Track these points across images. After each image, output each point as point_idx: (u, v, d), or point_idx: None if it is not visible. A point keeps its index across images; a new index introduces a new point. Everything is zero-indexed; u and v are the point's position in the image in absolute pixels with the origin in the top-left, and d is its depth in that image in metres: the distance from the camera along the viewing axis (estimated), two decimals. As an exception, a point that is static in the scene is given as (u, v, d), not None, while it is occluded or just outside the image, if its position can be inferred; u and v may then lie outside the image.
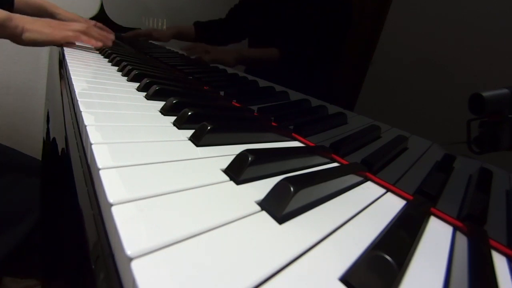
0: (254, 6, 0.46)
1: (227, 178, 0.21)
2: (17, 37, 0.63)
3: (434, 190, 0.24)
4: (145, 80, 0.44)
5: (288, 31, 0.41)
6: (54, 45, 0.72)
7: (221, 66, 0.56)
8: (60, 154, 0.33)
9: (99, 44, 0.77)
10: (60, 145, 0.33)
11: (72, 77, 0.41)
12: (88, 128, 0.24)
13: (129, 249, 0.12)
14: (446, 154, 0.25)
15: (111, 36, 0.84)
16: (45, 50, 1.22)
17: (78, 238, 0.19)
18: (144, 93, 0.42)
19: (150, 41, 0.95)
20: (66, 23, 0.74)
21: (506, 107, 0.21)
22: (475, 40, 0.23)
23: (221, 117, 0.36)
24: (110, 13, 1.24)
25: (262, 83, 0.45)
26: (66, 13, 0.95)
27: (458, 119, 0.23)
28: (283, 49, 0.41)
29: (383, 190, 0.27)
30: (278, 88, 0.42)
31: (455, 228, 0.23)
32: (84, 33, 0.74)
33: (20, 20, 0.63)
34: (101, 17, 1.24)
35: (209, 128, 0.27)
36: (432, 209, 0.24)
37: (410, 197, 0.26)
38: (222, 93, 0.53)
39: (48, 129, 0.51)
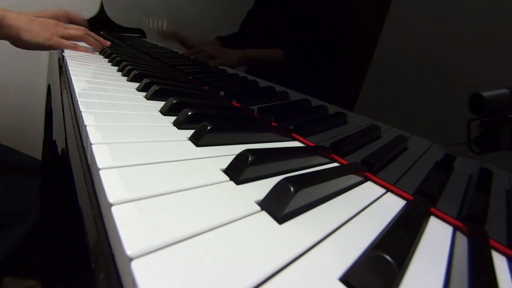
0: (259, 11, 0.46)
1: (227, 178, 0.21)
2: (14, 39, 0.62)
3: (434, 190, 0.24)
4: (145, 80, 0.44)
5: (291, 32, 0.41)
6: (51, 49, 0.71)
7: (221, 66, 0.56)
8: (60, 154, 0.33)
9: (96, 53, 0.76)
10: (60, 145, 0.33)
11: (72, 77, 0.41)
12: (88, 128, 0.24)
13: (129, 249, 0.12)
14: (446, 154, 0.25)
15: (107, 43, 0.82)
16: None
17: (78, 238, 0.19)
18: (144, 93, 0.42)
19: (150, 41, 0.95)
20: (63, 25, 0.73)
21: (506, 107, 0.21)
22: (475, 40, 0.23)
23: (221, 117, 0.36)
24: (110, 13, 1.24)
25: (262, 83, 0.45)
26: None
27: (458, 119, 0.23)
28: (286, 49, 0.41)
29: (383, 190, 0.27)
30: (278, 88, 0.42)
31: (455, 228, 0.23)
32: (82, 38, 0.74)
33: (15, 20, 0.62)
34: (101, 17, 1.24)
35: (209, 128, 0.27)
36: (432, 209, 0.24)
37: (410, 197, 0.26)
38: (222, 93, 0.53)
39: (48, 129, 0.51)
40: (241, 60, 0.50)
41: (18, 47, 0.66)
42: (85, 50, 0.73)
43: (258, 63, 0.47)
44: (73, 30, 0.73)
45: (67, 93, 0.41)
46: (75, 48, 0.70)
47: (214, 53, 0.58)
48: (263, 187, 0.21)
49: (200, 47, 0.63)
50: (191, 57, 0.67)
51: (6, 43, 0.65)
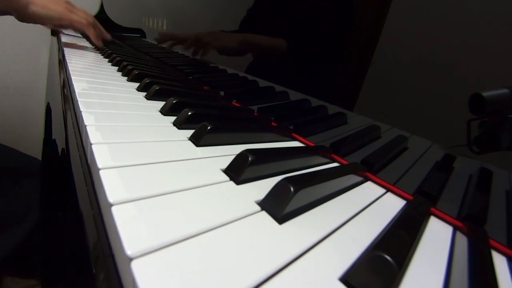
0: (259, 11, 0.46)
1: (227, 178, 0.21)
2: (21, 11, 0.60)
3: (434, 190, 0.24)
4: (145, 80, 0.44)
5: (290, 32, 0.40)
6: (58, 26, 0.68)
7: (221, 66, 0.56)
8: (60, 154, 0.33)
9: (100, 43, 0.76)
10: (60, 145, 0.33)
11: (72, 77, 0.41)
12: (88, 128, 0.24)
13: (129, 249, 0.12)
14: (446, 154, 0.25)
15: (108, 36, 0.82)
16: (45, 50, 1.22)
17: (78, 238, 0.19)
18: (144, 93, 0.42)
19: (150, 41, 0.95)
20: (74, 6, 0.71)
21: (506, 107, 0.21)
22: (475, 40, 0.23)
23: (221, 117, 0.36)
24: (110, 13, 1.24)
25: (262, 83, 0.45)
26: None
27: (458, 119, 0.23)
28: (289, 41, 0.40)
29: (383, 190, 0.27)
30: (278, 88, 0.42)
31: (455, 228, 0.23)
32: (92, 25, 0.73)
33: None
34: (101, 17, 1.24)
35: (209, 128, 0.27)
36: (432, 209, 0.24)
37: (410, 197, 0.26)
38: (222, 93, 0.53)
39: (48, 129, 0.51)
40: (242, 44, 0.49)
41: (25, 20, 0.64)
42: (94, 34, 0.70)
43: (259, 49, 0.46)
44: (83, 13, 0.71)
45: (67, 93, 0.41)
46: (85, 26, 0.68)
47: (213, 37, 0.56)
48: (263, 187, 0.21)
49: (198, 34, 0.61)
50: (192, 51, 0.66)
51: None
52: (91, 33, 0.70)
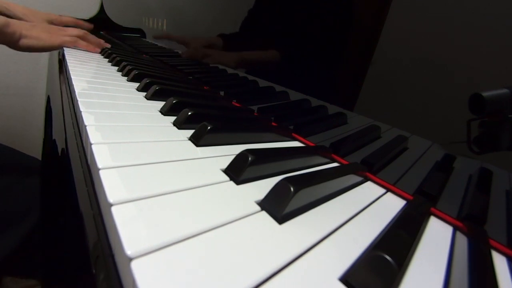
0: (260, 11, 0.46)
1: (227, 178, 0.21)
2: (14, 43, 0.63)
3: (434, 190, 0.24)
4: (145, 80, 0.44)
5: (290, 32, 0.41)
6: (51, 50, 0.72)
7: (221, 66, 0.56)
8: (60, 154, 0.33)
9: (97, 49, 0.76)
10: (60, 145, 0.33)
11: (72, 77, 0.41)
12: (88, 128, 0.24)
13: (129, 249, 0.12)
14: (446, 154, 0.25)
15: (106, 44, 0.83)
16: (45, 50, 1.22)
17: (78, 238, 0.19)
18: (144, 93, 0.42)
19: (150, 41, 0.95)
20: (63, 28, 0.74)
21: (506, 107, 0.21)
22: (475, 40, 0.23)
23: (221, 117, 0.36)
24: (110, 13, 1.24)
25: (262, 83, 0.45)
26: (22, 9, 0.86)
27: (458, 119, 0.23)
28: (282, 50, 0.41)
29: (383, 190, 0.27)
30: (278, 88, 0.42)
31: (455, 228, 0.23)
32: (82, 38, 0.74)
33: (18, 26, 0.62)
34: (101, 17, 1.24)
35: (209, 128, 0.27)
36: (432, 209, 0.24)
37: (410, 197, 0.26)
38: (222, 93, 0.53)
39: (48, 129, 0.51)
40: (239, 62, 0.50)
41: (17, 50, 0.66)
42: (86, 45, 0.73)
43: (256, 64, 0.48)
44: (75, 31, 0.74)
45: (67, 93, 0.41)
46: (75, 42, 0.71)
47: (213, 58, 0.58)
48: (263, 187, 0.21)
49: (198, 52, 0.63)
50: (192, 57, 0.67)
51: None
52: (82, 46, 0.73)
